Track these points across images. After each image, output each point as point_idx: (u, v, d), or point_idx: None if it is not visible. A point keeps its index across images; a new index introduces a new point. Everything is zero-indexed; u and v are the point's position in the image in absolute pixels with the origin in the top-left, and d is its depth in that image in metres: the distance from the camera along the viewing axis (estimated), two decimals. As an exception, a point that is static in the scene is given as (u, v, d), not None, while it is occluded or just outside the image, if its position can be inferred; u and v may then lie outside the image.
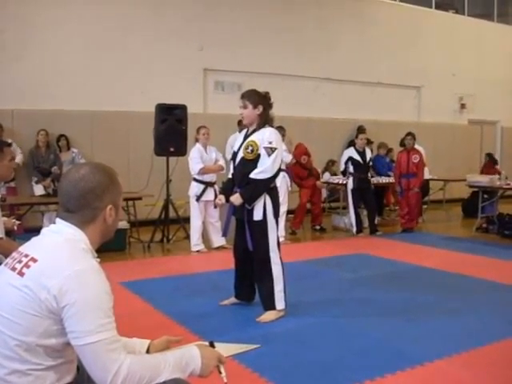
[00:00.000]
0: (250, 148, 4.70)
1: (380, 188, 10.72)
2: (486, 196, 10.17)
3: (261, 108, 4.76)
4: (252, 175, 4.67)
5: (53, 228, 1.92)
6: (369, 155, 9.58)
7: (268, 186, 4.76)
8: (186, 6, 11.09)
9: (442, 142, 14.26)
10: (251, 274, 4.93)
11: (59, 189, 1.99)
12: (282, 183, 8.55)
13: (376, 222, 9.67)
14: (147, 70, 10.57)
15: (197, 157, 7.88)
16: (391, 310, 5.06)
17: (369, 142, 10.88)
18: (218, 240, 8.09)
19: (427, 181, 11.32)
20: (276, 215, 4.82)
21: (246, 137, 4.86)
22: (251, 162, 4.70)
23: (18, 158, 8.85)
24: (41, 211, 8.75)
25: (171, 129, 8.31)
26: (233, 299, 5.22)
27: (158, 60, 10.70)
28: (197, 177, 7.95)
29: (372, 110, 13.19)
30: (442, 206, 12.20)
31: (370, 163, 9.79)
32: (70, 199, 1.89)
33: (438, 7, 15.50)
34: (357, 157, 9.35)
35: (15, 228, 4.58)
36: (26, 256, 1.82)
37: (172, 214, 8.50)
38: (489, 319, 4.76)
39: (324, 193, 11.31)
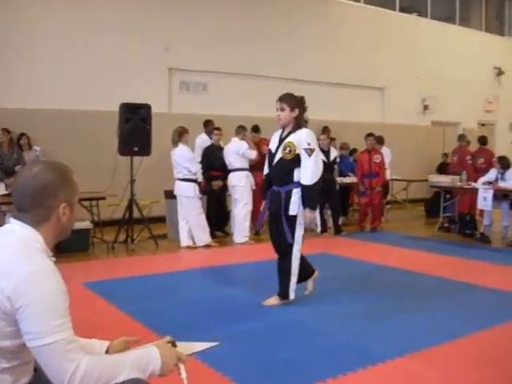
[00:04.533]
0: (288, 149, 5.02)
1: (344, 188, 10.79)
2: (448, 196, 10.35)
3: (297, 111, 5.09)
4: (304, 182, 4.96)
5: (6, 228, 1.90)
6: (334, 155, 9.66)
7: (320, 185, 5.08)
8: (152, 4, 11.04)
9: (406, 143, 14.43)
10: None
11: (13, 187, 1.96)
12: (247, 182, 8.59)
13: (340, 222, 9.75)
14: (111, 69, 10.48)
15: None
16: (354, 309, 5.10)
17: (331, 140, 10.92)
18: (204, 238, 8.32)
19: (387, 182, 11.47)
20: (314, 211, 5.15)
21: (280, 138, 5.16)
22: (289, 162, 5.02)
23: None
24: (2, 211, 8.59)
25: (135, 128, 8.26)
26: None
27: (123, 59, 10.62)
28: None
29: (337, 110, 13.29)
30: (405, 206, 12.35)
31: (336, 163, 9.85)
32: (22, 198, 1.87)
33: (401, 10, 15.74)
34: (321, 156, 9.39)
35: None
36: None
37: (136, 214, 8.44)
38: (449, 317, 4.83)
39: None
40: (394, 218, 11.82)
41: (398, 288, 5.85)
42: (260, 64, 12.30)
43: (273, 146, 5.23)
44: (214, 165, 9.00)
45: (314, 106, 13.23)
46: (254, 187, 8.80)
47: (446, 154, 14.63)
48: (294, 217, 5.03)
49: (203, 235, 8.26)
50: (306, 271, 5.34)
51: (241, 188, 8.63)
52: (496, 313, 4.98)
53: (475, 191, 9.18)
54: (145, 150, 8.34)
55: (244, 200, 8.64)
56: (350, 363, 3.69)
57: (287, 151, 5.02)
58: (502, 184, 8.97)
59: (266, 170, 5.39)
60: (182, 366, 1.95)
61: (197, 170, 8.18)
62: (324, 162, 9.22)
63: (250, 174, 8.74)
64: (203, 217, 8.29)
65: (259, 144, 9.50)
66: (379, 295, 5.57)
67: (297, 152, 4.99)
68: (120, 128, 8.25)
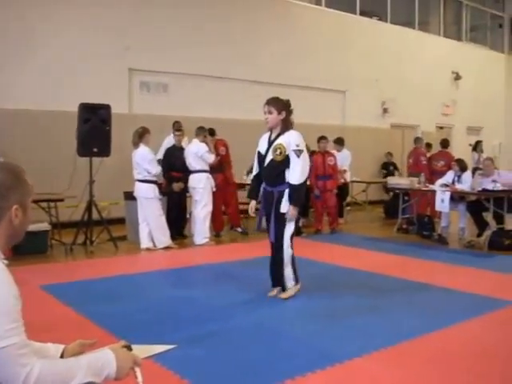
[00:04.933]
0: (279, 151, 5.28)
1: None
2: (406, 198, 10.50)
3: (284, 114, 5.35)
4: (293, 181, 5.24)
5: None
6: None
7: (306, 185, 5.45)
8: (112, 4, 10.92)
9: (366, 145, 14.59)
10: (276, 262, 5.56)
11: None
12: (206, 184, 8.57)
13: (301, 223, 9.79)
14: (71, 68, 10.33)
15: None
16: (314, 309, 5.15)
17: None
18: (164, 240, 8.24)
19: (347, 183, 11.60)
20: (298, 209, 5.46)
21: (270, 140, 5.43)
22: (281, 163, 5.29)
23: None
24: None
25: (95, 129, 8.16)
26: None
27: (82, 59, 10.47)
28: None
29: (298, 112, 13.17)
30: (365, 208, 12.49)
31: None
32: None
33: (362, 14, 15.89)
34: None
35: None
36: None
37: (95, 215, 8.33)
38: (407, 317, 4.90)
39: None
40: (354, 220, 11.93)
41: (356, 288, 5.90)
42: (221, 65, 12.29)
43: (262, 148, 5.48)
44: (174, 166, 8.97)
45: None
46: (214, 189, 8.78)
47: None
48: (284, 214, 5.31)
49: (163, 237, 8.22)
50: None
51: (201, 189, 8.60)
52: (453, 312, 5.06)
53: (432, 193, 9.34)
54: (104, 150, 8.24)
55: (204, 201, 8.62)
56: (308, 364, 3.71)
57: (278, 153, 5.28)
58: (458, 186, 9.14)
59: (254, 171, 5.66)
60: (137, 370, 1.92)
61: (156, 172, 8.12)
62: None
63: (209, 175, 8.72)
64: (163, 218, 8.25)
65: (216, 146, 9.50)
66: (338, 296, 5.63)
67: (287, 153, 5.26)
68: (79, 128, 8.14)
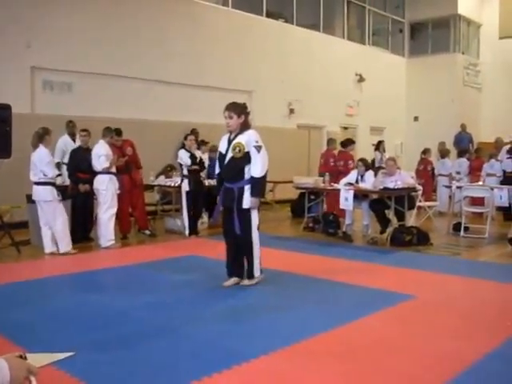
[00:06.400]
0: (238, 149, 5.74)
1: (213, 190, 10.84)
2: (312, 197, 10.73)
3: (243, 117, 5.81)
4: (255, 174, 5.73)
5: None
6: (199, 155, 9.73)
7: (266, 178, 5.93)
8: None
9: (273, 146, 14.61)
10: (241, 254, 6.03)
11: None
12: (109, 186, 8.43)
13: (200, 223, 9.84)
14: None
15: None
16: (220, 310, 5.18)
17: (205, 143, 11.05)
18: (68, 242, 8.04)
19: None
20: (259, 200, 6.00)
21: (229, 140, 5.86)
22: (240, 160, 5.74)
23: None
24: None
25: (-6, 130, 7.87)
26: (231, 279, 6.06)
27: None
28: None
29: (205, 112, 13.32)
30: (273, 207, 12.65)
31: (203, 163, 9.89)
32: None
33: (268, 15, 16.07)
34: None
35: None
36: None
37: (-4, 219, 8.04)
38: (313, 313, 5.02)
39: (156, 196, 11.32)
40: (261, 219, 12.00)
41: (263, 287, 5.98)
42: (126, 65, 12.12)
43: (222, 148, 5.93)
44: (80, 167, 8.78)
45: (181, 108, 13.36)
46: (118, 191, 8.64)
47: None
48: (247, 210, 5.79)
49: (67, 240, 8.00)
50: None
51: (103, 191, 8.45)
52: (357, 307, 5.23)
53: (337, 192, 9.59)
54: (4, 152, 7.94)
55: (107, 204, 8.46)
56: (214, 364, 3.73)
57: (237, 151, 5.72)
58: (362, 185, 9.44)
59: (217, 170, 6.09)
60: (33, 379, 1.89)
61: (53, 175, 7.85)
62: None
63: (113, 177, 8.58)
64: (66, 221, 8.02)
65: (122, 146, 9.39)
66: (244, 295, 5.70)
67: (246, 150, 5.71)
68: (-24, 129, 7.82)
